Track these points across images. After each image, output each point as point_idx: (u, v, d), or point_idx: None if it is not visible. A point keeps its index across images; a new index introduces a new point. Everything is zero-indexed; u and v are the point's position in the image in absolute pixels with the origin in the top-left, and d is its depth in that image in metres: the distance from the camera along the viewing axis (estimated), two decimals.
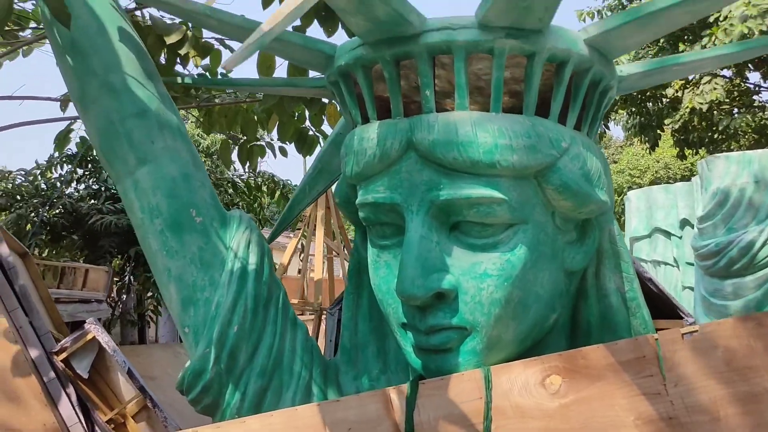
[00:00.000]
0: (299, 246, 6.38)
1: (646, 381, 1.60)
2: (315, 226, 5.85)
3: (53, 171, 6.84)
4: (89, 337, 2.30)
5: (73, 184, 6.99)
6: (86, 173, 7.08)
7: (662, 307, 2.64)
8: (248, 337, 1.92)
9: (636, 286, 1.83)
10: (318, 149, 3.44)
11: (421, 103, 1.61)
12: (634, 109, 11.95)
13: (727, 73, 12.08)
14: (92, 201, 6.78)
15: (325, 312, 4.18)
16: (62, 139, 3.74)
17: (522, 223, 1.59)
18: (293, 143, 3.53)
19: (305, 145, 3.52)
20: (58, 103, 3.54)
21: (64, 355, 2.29)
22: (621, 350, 1.62)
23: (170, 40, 2.19)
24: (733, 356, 1.64)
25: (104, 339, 2.31)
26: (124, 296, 6.67)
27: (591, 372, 1.60)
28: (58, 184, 6.56)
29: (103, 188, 6.93)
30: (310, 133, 3.53)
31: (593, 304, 1.81)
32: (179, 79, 2.31)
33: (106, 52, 1.98)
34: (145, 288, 6.84)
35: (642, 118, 11.91)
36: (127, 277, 6.59)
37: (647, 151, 15.39)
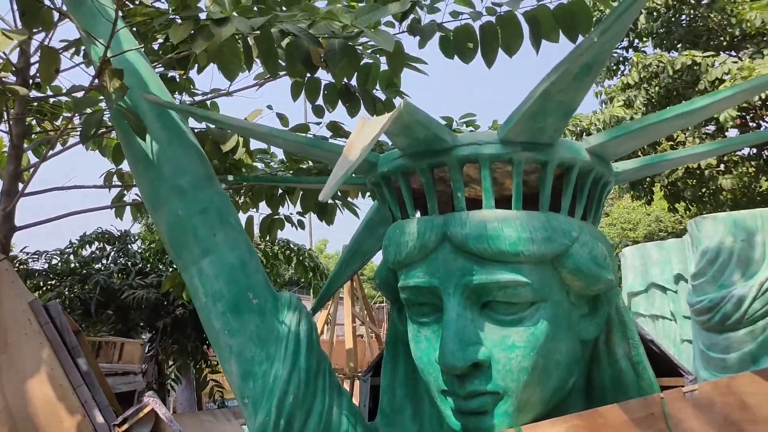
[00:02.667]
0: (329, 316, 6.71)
1: None
2: (341, 297, 6.20)
3: (85, 249, 7.20)
4: (148, 409, 2.53)
5: (103, 261, 7.35)
6: (114, 250, 7.45)
7: (664, 366, 2.89)
8: (302, 406, 2.18)
9: (641, 351, 2.11)
10: (337, 216, 3.81)
11: (453, 201, 1.92)
12: None
13: (709, 129, 12.65)
14: (122, 276, 7.11)
15: (358, 378, 4.41)
16: (118, 201, 3.99)
17: (542, 301, 1.87)
18: (315, 213, 3.86)
19: (326, 215, 3.85)
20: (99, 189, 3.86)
21: (125, 426, 2.52)
22: (633, 409, 1.88)
23: (226, 147, 2.53)
24: (729, 411, 1.91)
25: (162, 410, 2.55)
26: (145, 366, 6.87)
27: (608, 429, 1.86)
28: (90, 262, 6.91)
29: (130, 263, 7.28)
30: (330, 203, 3.86)
31: (605, 368, 2.07)
32: (230, 178, 2.65)
33: (174, 160, 2.31)
34: (168, 357, 7.07)
35: None
36: (155, 348, 6.83)
37: (640, 205, 15.81)
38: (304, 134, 2.43)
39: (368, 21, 2.07)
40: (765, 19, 11.43)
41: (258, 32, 2.06)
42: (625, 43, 14.91)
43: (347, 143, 1.55)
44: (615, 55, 15.32)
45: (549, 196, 1.89)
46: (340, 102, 3.19)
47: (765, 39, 12.06)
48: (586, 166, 1.92)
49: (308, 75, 3.04)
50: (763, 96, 11.01)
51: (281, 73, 3.32)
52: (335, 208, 3.89)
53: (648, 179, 12.02)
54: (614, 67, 15.21)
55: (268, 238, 4.10)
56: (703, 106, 1.78)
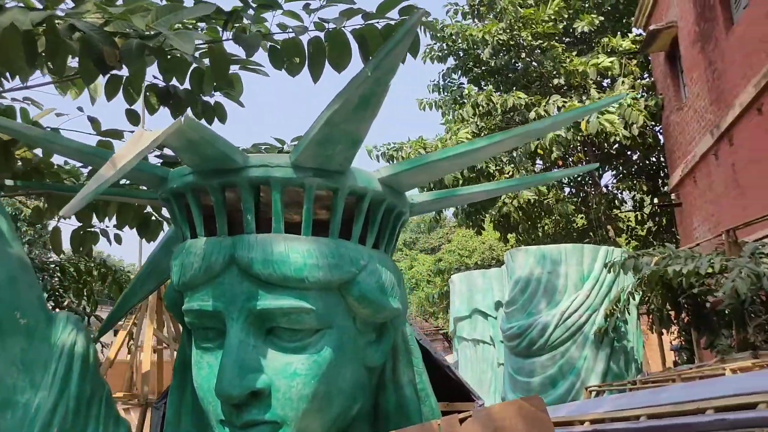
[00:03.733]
0: (128, 337, 6.23)
1: None
2: (144, 317, 5.79)
3: None
4: None
5: None
6: None
7: (460, 391, 3.03)
8: None
9: (425, 378, 2.17)
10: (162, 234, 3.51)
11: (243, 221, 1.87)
12: None
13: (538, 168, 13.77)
14: None
15: (150, 406, 4.14)
16: None
17: (328, 328, 1.86)
18: (135, 229, 3.56)
19: (149, 231, 3.56)
20: None
21: None
22: None
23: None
24: None
25: None
26: None
27: None
28: None
29: None
30: (153, 218, 3.59)
31: (391, 394, 2.11)
32: (11, 182, 2.39)
33: None
34: None
35: (468, 207, 13.18)
36: None
37: (474, 234, 16.82)
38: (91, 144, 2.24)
39: (168, 22, 1.97)
40: (586, 72, 12.72)
41: (42, 27, 1.88)
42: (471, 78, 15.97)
43: (114, 155, 1.44)
44: (460, 88, 16.35)
45: (339, 223, 1.90)
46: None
47: (587, 89, 13.44)
48: (378, 196, 1.96)
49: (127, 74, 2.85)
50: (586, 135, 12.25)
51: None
52: (160, 224, 3.62)
53: (480, 211, 12.84)
54: (460, 100, 16.18)
55: (81, 251, 3.75)
56: (482, 146, 1.89)
